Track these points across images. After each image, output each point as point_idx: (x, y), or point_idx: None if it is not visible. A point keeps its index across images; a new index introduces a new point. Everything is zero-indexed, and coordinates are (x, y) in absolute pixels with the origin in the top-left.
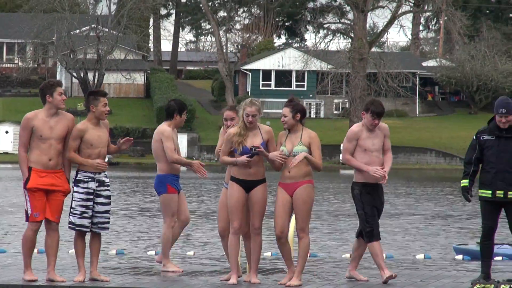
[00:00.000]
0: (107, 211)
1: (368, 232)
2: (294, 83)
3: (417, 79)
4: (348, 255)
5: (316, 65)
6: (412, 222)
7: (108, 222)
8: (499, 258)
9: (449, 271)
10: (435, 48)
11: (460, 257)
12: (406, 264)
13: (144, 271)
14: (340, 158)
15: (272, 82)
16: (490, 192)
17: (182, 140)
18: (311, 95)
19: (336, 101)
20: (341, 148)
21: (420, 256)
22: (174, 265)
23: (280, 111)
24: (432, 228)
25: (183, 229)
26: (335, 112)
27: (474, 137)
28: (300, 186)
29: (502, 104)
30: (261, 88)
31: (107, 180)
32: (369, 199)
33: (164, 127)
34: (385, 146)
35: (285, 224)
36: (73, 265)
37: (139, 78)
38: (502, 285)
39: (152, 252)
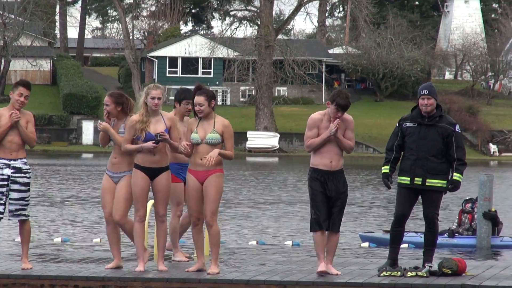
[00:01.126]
0: (22, 198)
1: (311, 220)
2: (200, 70)
3: (323, 66)
4: (255, 242)
5: (223, 52)
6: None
7: (24, 209)
8: (405, 245)
9: (357, 257)
10: (341, 35)
11: (366, 244)
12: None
13: (52, 258)
14: (305, 146)
15: (179, 69)
16: (408, 179)
17: (89, 127)
18: (217, 82)
19: (242, 88)
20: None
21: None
22: (182, 254)
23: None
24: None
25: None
26: (241, 99)
27: (397, 124)
28: (212, 174)
29: (426, 86)
30: (167, 75)
31: (25, 167)
32: (318, 186)
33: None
34: (346, 138)
35: (200, 210)
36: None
37: (45, 65)
38: (409, 273)
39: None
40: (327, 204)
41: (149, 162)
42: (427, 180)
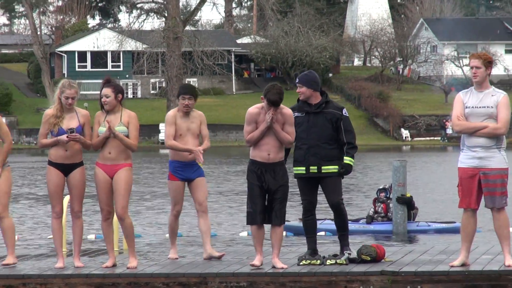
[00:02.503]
0: None
1: (247, 213)
2: (110, 63)
3: (232, 56)
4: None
5: (131, 45)
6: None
7: None
8: (322, 233)
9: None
10: (249, 25)
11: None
12: (230, 241)
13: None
14: (245, 141)
15: (88, 64)
16: (303, 168)
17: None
18: (127, 75)
19: (152, 80)
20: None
21: (244, 234)
22: (173, 253)
23: (97, 92)
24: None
25: (203, 218)
26: (152, 91)
27: None
28: (121, 168)
29: (300, 75)
30: (77, 69)
31: None
32: (255, 179)
33: (169, 112)
34: (285, 132)
35: (111, 203)
36: None
37: None
38: (328, 260)
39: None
40: (263, 197)
41: (61, 158)
42: (322, 167)
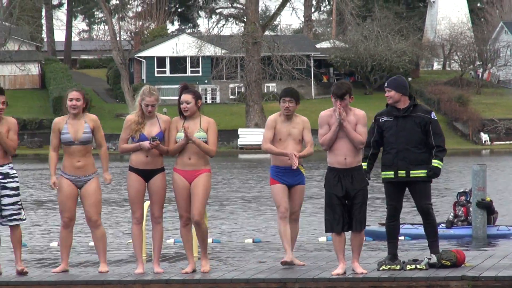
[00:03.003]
0: (14, 203)
1: (325, 221)
2: (189, 69)
3: (312, 61)
4: (251, 240)
5: (210, 50)
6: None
7: (18, 214)
8: (402, 238)
9: None
10: (328, 29)
11: None
12: (309, 246)
13: (50, 262)
14: (320, 145)
15: (167, 69)
16: (392, 172)
17: None
18: (206, 81)
19: (231, 85)
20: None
21: (323, 239)
22: (288, 256)
23: (176, 97)
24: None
25: (292, 224)
26: (231, 96)
27: (373, 120)
28: (201, 174)
29: (389, 79)
30: (156, 75)
31: (12, 172)
32: (333, 187)
33: (270, 116)
34: (357, 132)
35: (189, 209)
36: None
37: (34, 69)
38: (408, 265)
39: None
40: (341, 205)
41: (142, 164)
42: (411, 172)
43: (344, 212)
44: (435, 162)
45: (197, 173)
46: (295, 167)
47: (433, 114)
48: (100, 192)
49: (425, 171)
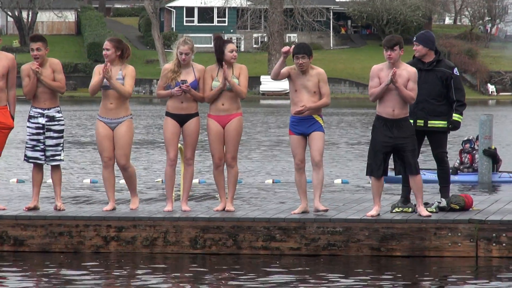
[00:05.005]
0: (57, 145)
1: (367, 164)
2: (216, 19)
3: (331, 14)
4: (270, 181)
5: (236, 1)
6: (336, 149)
7: (59, 155)
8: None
9: (369, 195)
10: None
11: None
12: (325, 188)
13: (85, 200)
14: (369, 96)
15: (195, 19)
16: (411, 121)
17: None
18: (232, 30)
19: (255, 35)
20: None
21: (338, 181)
22: (302, 208)
23: (203, 45)
24: (351, 155)
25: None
26: (254, 46)
27: None
28: (233, 118)
29: (417, 35)
30: (184, 24)
31: (58, 115)
32: (379, 134)
33: (285, 67)
34: (408, 89)
35: (222, 153)
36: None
37: (70, 16)
38: None
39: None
40: (384, 153)
41: (178, 109)
42: (429, 122)
43: (386, 159)
44: (456, 116)
45: (230, 117)
46: (298, 113)
47: (455, 69)
48: (131, 135)
49: (444, 122)
